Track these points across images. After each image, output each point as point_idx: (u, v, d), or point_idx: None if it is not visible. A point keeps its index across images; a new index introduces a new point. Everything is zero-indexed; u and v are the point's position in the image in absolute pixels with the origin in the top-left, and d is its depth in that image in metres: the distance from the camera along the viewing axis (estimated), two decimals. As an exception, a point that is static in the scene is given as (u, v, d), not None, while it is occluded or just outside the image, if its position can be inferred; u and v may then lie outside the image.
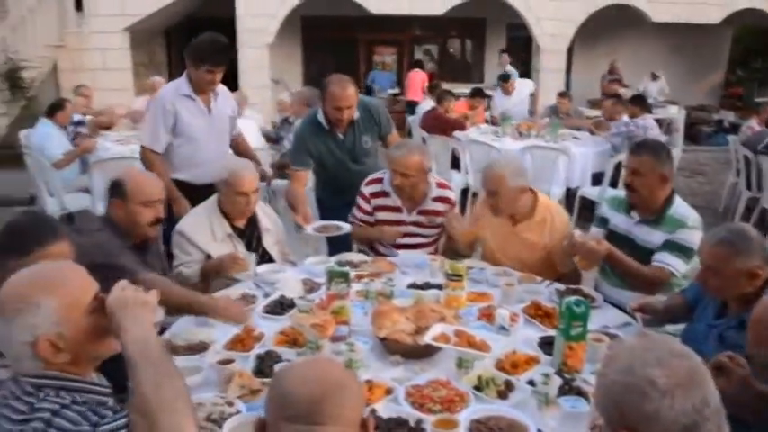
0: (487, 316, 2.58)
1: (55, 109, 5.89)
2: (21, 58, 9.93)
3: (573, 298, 2.27)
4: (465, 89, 10.48)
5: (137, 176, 2.81)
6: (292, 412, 1.24)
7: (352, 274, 2.80)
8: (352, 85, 3.69)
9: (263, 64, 11.57)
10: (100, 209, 5.23)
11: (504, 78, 9.26)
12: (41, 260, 1.88)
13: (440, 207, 3.49)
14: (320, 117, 3.78)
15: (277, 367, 2.13)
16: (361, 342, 2.30)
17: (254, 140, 5.57)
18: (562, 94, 8.71)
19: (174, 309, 2.43)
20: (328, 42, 14.36)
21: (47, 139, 5.67)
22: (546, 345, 2.39)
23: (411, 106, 10.68)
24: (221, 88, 3.96)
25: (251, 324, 2.49)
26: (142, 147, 3.87)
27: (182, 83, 3.84)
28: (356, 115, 3.76)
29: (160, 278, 2.56)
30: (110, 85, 10.60)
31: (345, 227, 3.42)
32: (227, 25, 11.64)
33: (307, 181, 3.90)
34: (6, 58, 9.79)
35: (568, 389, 2.07)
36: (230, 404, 1.98)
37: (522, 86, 9.41)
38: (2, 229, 2.07)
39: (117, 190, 2.72)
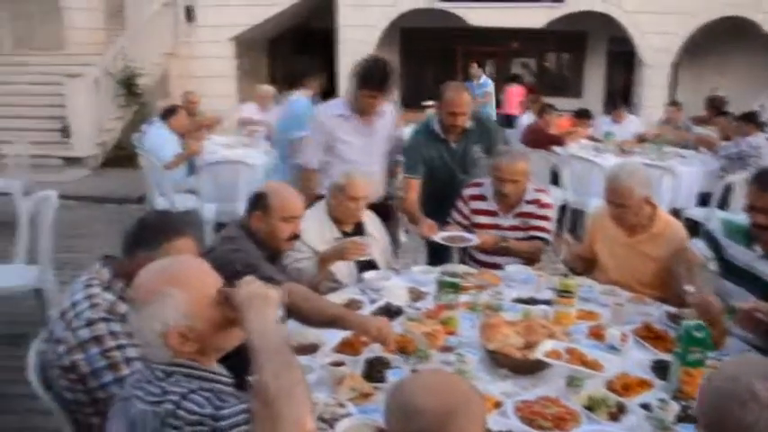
0: (597, 335, 2.53)
1: (168, 114, 6.20)
2: (136, 66, 10.54)
3: (693, 322, 2.18)
4: (564, 104, 10.32)
5: (280, 192, 2.84)
6: (419, 425, 1.24)
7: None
8: (466, 92, 3.77)
9: (362, 74, 11.76)
10: (206, 211, 5.47)
11: (614, 105, 8.93)
12: (168, 253, 2.01)
13: (535, 210, 3.48)
14: (434, 125, 3.84)
15: (388, 373, 2.16)
16: (470, 354, 2.30)
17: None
18: (673, 104, 8.39)
19: (319, 321, 2.43)
20: (426, 54, 14.46)
21: (160, 141, 5.97)
22: (659, 369, 2.30)
23: (507, 120, 10.58)
24: (387, 107, 3.92)
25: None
26: (303, 167, 3.94)
27: (339, 103, 3.88)
28: (469, 124, 3.81)
29: (304, 289, 2.58)
30: (215, 92, 11.07)
31: (472, 238, 3.40)
32: (328, 35, 11.99)
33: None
34: (124, 66, 10.41)
35: (686, 416, 2.00)
36: (341, 406, 2.02)
37: (629, 123, 8.90)
38: (134, 224, 2.20)
39: (259, 203, 2.77)
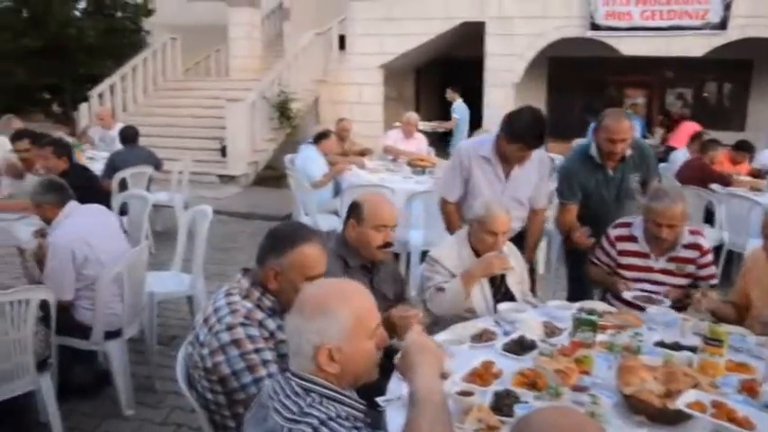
0: (750, 390, 2.32)
1: (321, 137, 6.51)
2: (291, 91, 11.16)
3: None
4: (725, 137, 9.64)
5: (374, 200, 2.96)
6: None
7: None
8: (627, 120, 3.68)
9: (508, 103, 11.69)
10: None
11: None
12: (294, 258, 2.16)
13: (691, 254, 3.28)
14: (592, 151, 3.77)
15: (516, 408, 2.11)
16: (604, 396, 2.20)
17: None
18: None
19: None
20: (575, 83, 14.11)
21: (310, 162, 6.28)
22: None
23: (666, 153, 10.02)
24: (537, 154, 3.75)
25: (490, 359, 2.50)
26: (442, 199, 3.95)
27: (485, 143, 3.76)
28: (628, 152, 3.72)
29: None
30: (363, 118, 11.44)
31: (664, 300, 3.14)
32: (474, 65, 12.05)
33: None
34: (280, 91, 11.05)
35: None
36: (467, 436, 2.00)
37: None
38: (265, 236, 2.33)
39: (354, 211, 2.90)
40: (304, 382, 1.59)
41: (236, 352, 2.05)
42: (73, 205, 3.69)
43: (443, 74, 15.46)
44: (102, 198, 4.84)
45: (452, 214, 3.86)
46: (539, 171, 3.79)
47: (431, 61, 14.23)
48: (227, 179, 10.31)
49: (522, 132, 3.50)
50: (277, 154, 10.93)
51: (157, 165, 6.94)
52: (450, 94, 10.51)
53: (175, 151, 9.70)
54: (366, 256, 2.89)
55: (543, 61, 12.89)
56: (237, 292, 2.20)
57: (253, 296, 2.19)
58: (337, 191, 6.45)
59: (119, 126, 8.38)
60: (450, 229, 3.81)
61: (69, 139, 7.85)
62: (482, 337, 2.76)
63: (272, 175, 10.56)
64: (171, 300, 4.61)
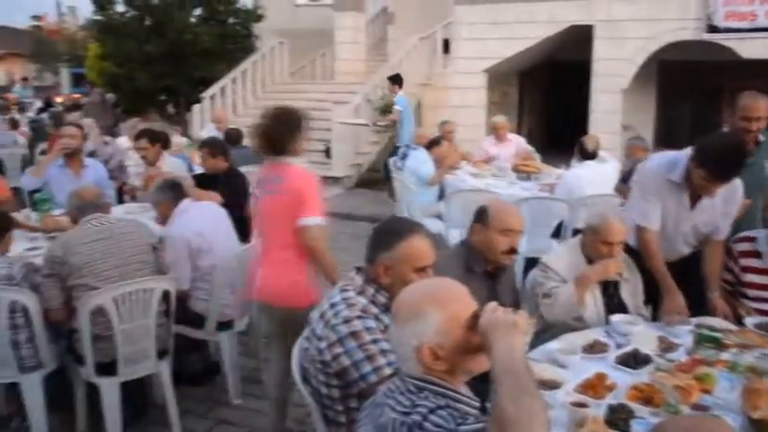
0: None
1: (433, 144, 6.62)
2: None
3: None
4: None
5: (500, 205, 2.97)
6: None
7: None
8: (764, 99, 3.53)
9: (616, 109, 11.34)
10: (450, 235, 5.64)
11: None
12: (403, 251, 2.20)
13: None
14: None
15: (632, 423, 2.05)
16: (728, 418, 2.09)
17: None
18: None
19: None
20: (687, 90, 13.46)
21: (421, 163, 6.39)
22: None
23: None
24: (735, 183, 3.23)
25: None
26: (638, 228, 3.34)
27: (678, 164, 3.23)
28: (762, 138, 3.57)
29: None
30: (465, 121, 11.37)
31: None
32: (580, 69, 11.75)
33: None
34: (383, 95, 11.18)
35: None
36: (580, 448, 1.96)
37: None
38: (372, 233, 2.38)
39: (480, 216, 2.90)
40: (418, 381, 1.62)
41: (354, 344, 2.11)
42: (187, 203, 3.90)
43: (548, 78, 15.17)
44: (248, 196, 5.05)
45: (652, 243, 3.28)
46: (725, 199, 3.28)
47: (535, 65, 13.99)
48: (330, 180, 10.52)
49: (724, 167, 3.02)
50: (380, 156, 11.06)
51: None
52: (389, 86, 10.28)
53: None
54: (490, 262, 2.87)
55: (653, 66, 12.38)
56: (352, 288, 2.27)
57: (367, 293, 2.25)
58: (441, 195, 6.47)
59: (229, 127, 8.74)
60: (652, 262, 3.27)
61: (183, 140, 8.29)
62: (594, 348, 2.70)
63: (374, 178, 10.71)
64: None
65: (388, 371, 2.04)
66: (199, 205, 3.97)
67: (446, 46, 12.80)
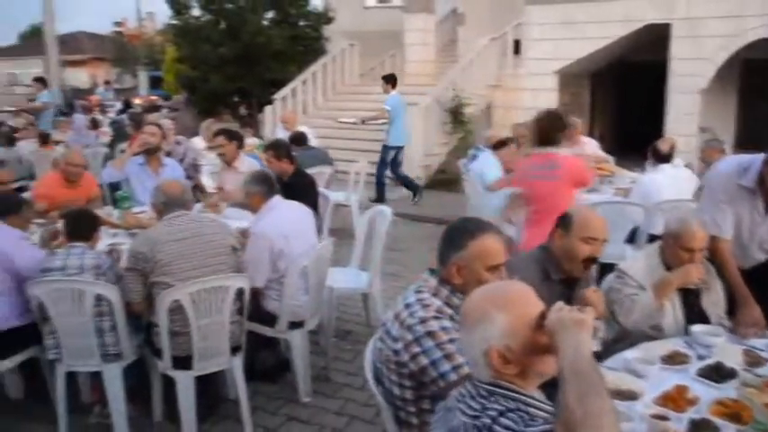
0: None
1: (500, 145, 6.50)
2: (464, 96, 11.20)
3: None
4: None
5: (584, 212, 2.90)
6: None
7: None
8: None
9: (694, 110, 10.93)
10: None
11: None
12: (474, 250, 2.19)
13: None
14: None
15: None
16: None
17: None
18: None
19: None
20: (773, 90, 12.84)
21: (487, 166, 6.29)
22: None
23: None
24: None
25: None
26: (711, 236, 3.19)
27: (750, 168, 3.13)
28: None
29: None
30: (534, 123, 11.23)
31: None
32: (657, 69, 11.38)
33: None
34: (454, 96, 11.14)
35: None
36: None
37: None
38: (442, 235, 2.36)
39: (563, 221, 2.84)
40: (488, 386, 1.61)
41: (431, 343, 2.10)
42: (277, 199, 3.96)
43: (620, 79, 14.77)
44: (316, 197, 5.15)
45: (725, 252, 3.15)
46: None
47: (607, 66, 13.65)
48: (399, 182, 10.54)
49: None
50: (450, 158, 11.01)
51: (331, 165, 7.27)
52: (383, 86, 10.07)
53: (351, 153, 10.10)
54: (569, 269, 2.81)
55: (734, 65, 11.88)
56: (427, 290, 2.27)
57: (441, 294, 2.25)
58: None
59: (298, 128, 8.87)
60: (725, 271, 3.14)
61: (256, 140, 8.46)
62: (674, 359, 2.60)
63: (443, 179, 10.66)
64: (347, 295, 4.79)
65: (467, 369, 2.02)
66: (287, 203, 4.02)
67: (517, 47, 12.64)
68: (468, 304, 1.71)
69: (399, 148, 9.77)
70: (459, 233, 2.28)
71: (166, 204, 3.51)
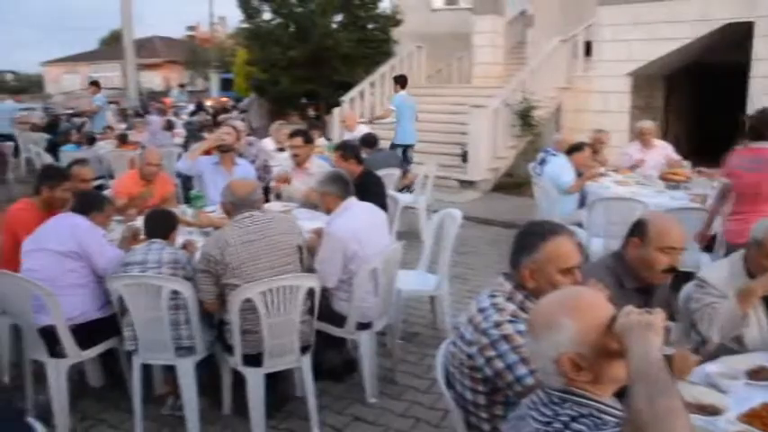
0: None
1: (574, 149, 6.41)
2: (534, 99, 11.05)
3: None
4: None
5: (662, 220, 2.76)
6: None
7: None
8: None
9: (779, 114, 10.43)
10: (593, 244, 5.43)
11: None
12: (547, 253, 2.16)
13: None
14: None
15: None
16: None
17: None
18: None
19: None
20: None
21: (561, 170, 6.21)
22: None
23: None
24: None
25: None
26: None
27: None
28: None
29: None
30: (607, 127, 10.89)
31: None
32: (735, 71, 10.92)
33: None
34: (523, 99, 10.99)
35: None
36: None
37: None
38: (513, 240, 2.33)
39: (638, 229, 2.72)
40: (561, 393, 1.59)
41: (507, 346, 2.07)
42: (352, 201, 3.99)
43: (696, 81, 14.26)
44: (384, 199, 5.17)
45: None
46: None
47: (682, 68, 13.19)
48: (466, 184, 10.48)
49: None
50: (517, 161, 10.88)
51: (404, 169, 7.26)
52: (393, 86, 10.30)
53: (419, 155, 10.10)
54: (645, 279, 2.70)
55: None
56: (501, 294, 2.23)
57: (516, 298, 2.22)
58: (582, 202, 6.25)
59: (361, 129, 8.93)
60: None
61: (325, 142, 8.56)
62: (760, 375, 2.48)
63: (511, 182, 10.55)
64: (414, 298, 4.78)
65: (527, 398, 1.98)
66: (362, 205, 4.03)
67: (587, 48, 12.37)
68: (535, 312, 1.70)
69: (407, 146, 9.90)
70: (531, 236, 2.25)
71: (235, 204, 3.56)
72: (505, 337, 2.08)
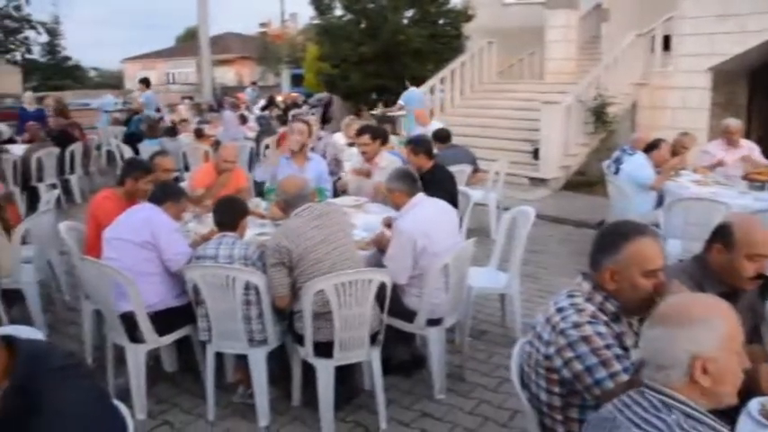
0: None
1: (652, 147, 6.24)
2: (608, 95, 10.75)
3: None
4: None
5: (748, 225, 2.58)
6: None
7: None
8: None
9: None
10: (669, 246, 5.24)
11: None
12: (630, 254, 2.08)
13: None
14: None
15: None
16: None
17: None
18: None
19: None
20: None
21: (641, 167, 6.05)
22: None
23: None
24: None
25: None
26: None
27: None
28: None
29: None
30: (686, 125, 10.52)
31: None
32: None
33: None
34: (597, 95, 10.71)
35: None
36: None
37: None
38: (594, 239, 2.25)
39: (722, 233, 2.57)
40: (664, 398, 1.52)
41: (586, 348, 2.01)
42: (420, 197, 3.98)
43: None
44: (455, 195, 5.14)
45: None
46: None
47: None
48: (537, 182, 10.30)
49: None
50: (589, 159, 10.62)
51: (474, 165, 7.18)
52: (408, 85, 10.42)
53: (489, 152, 9.99)
54: (729, 284, 2.57)
55: None
56: (580, 294, 2.17)
57: (595, 300, 2.14)
58: (659, 202, 6.05)
59: (434, 125, 8.88)
60: None
61: (395, 137, 8.56)
62: None
63: (583, 181, 10.30)
64: (483, 295, 4.73)
65: (624, 377, 1.92)
66: (430, 201, 4.02)
67: (666, 43, 11.94)
68: (679, 302, 1.65)
69: None
70: (613, 236, 2.16)
71: (288, 201, 3.66)
72: (585, 339, 2.02)
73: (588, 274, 2.22)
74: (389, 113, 11.31)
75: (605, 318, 2.10)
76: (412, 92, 10.30)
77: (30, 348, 1.69)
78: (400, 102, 10.43)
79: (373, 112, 13.38)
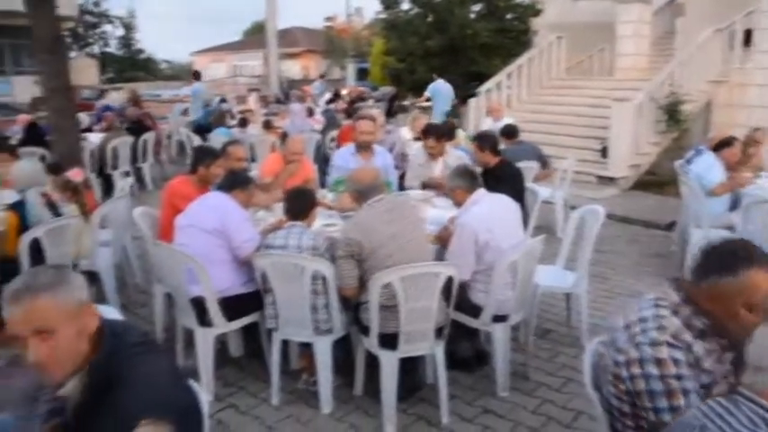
0: None
1: (723, 145, 5.96)
2: (682, 93, 10.39)
3: None
4: None
5: None
6: None
7: None
8: None
9: None
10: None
11: None
12: (746, 283, 1.88)
13: None
14: None
15: None
16: None
17: None
18: None
19: None
20: None
21: (708, 169, 5.78)
22: None
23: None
24: None
25: None
26: None
27: None
28: None
29: None
30: (763, 123, 10.11)
31: None
32: None
33: None
34: (670, 92, 10.37)
35: None
36: None
37: None
38: (704, 250, 2.04)
39: None
40: (760, 410, 1.46)
41: (656, 371, 1.91)
42: (481, 193, 3.95)
43: None
44: (521, 192, 5.09)
45: None
46: None
47: None
48: (606, 180, 10.05)
49: None
50: (660, 158, 10.29)
51: (543, 162, 7.05)
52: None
53: (557, 149, 9.82)
54: None
55: None
56: (666, 305, 2.04)
57: (683, 313, 2.01)
58: (734, 204, 5.79)
59: (505, 120, 8.78)
60: None
61: (462, 133, 8.49)
62: None
63: (653, 181, 10.00)
64: (549, 293, 4.66)
65: (694, 409, 1.83)
66: (492, 197, 4.00)
67: (746, 38, 11.44)
68: None
69: None
70: (733, 256, 1.94)
71: (361, 192, 3.67)
72: (658, 361, 1.92)
73: (679, 280, 2.09)
74: (417, 104, 11.38)
75: (689, 337, 1.97)
76: (439, 84, 10.32)
77: (112, 325, 1.82)
78: (426, 93, 10.54)
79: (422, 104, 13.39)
